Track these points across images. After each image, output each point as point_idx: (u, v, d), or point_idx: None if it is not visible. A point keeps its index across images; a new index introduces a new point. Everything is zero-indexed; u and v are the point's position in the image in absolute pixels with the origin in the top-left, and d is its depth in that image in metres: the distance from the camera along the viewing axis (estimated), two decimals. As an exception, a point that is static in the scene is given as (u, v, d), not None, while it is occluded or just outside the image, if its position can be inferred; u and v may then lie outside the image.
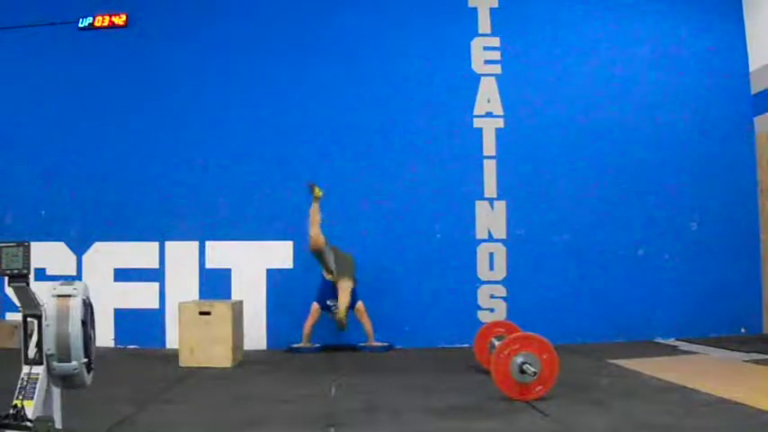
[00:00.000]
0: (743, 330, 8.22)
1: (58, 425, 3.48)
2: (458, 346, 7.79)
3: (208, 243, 8.18)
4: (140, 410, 4.80)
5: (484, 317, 7.92)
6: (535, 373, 4.93)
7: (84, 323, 3.50)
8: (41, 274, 7.09)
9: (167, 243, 8.17)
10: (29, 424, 3.17)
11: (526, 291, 8.10)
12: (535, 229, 8.26)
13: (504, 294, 8.16)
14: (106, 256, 8.09)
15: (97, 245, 8.14)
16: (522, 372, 4.94)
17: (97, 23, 8.03)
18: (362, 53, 8.41)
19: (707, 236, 8.36)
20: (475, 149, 8.29)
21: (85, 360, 3.51)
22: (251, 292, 7.96)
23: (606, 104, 8.41)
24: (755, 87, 8.43)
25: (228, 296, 7.86)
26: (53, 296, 3.51)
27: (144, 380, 6.04)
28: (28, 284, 3.38)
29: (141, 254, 8.12)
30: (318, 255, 7.60)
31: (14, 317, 6.88)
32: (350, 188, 8.19)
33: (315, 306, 7.66)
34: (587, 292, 8.17)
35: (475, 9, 8.41)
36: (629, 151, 8.38)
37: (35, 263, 3.47)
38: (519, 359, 4.97)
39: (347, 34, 8.41)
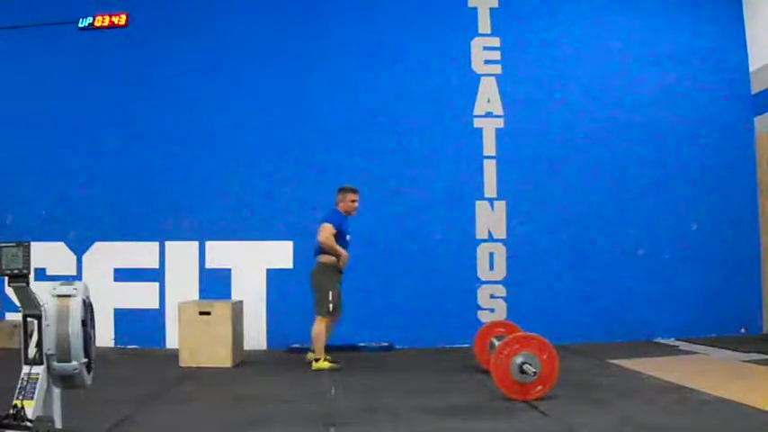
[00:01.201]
0: (743, 330, 8.22)
1: (58, 425, 3.48)
2: (458, 346, 7.78)
3: (208, 243, 8.17)
4: (140, 410, 4.80)
5: (484, 317, 7.91)
6: (535, 373, 4.93)
7: (84, 323, 3.50)
8: (41, 274, 7.08)
9: (167, 243, 8.17)
10: (29, 424, 3.17)
11: (526, 291, 8.09)
12: (535, 229, 8.27)
13: (504, 294, 8.16)
14: (106, 256, 8.08)
15: (97, 245, 8.14)
16: (522, 372, 4.95)
17: (97, 23, 8.01)
18: (362, 53, 8.41)
19: (707, 236, 8.37)
20: (475, 149, 8.29)
21: (85, 360, 3.50)
22: (251, 292, 7.95)
23: (606, 104, 8.41)
24: (755, 87, 8.43)
25: (228, 296, 7.85)
26: (53, 296, 3.50)
27: (144, 380, 6.04)
28: (28, 284, 3.38)
29: (141, 254, 8.12)
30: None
31: (14, 317, 6.89)
32: (350, 188, 8.19)
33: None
34: (587, 292, 8.17)
35: (475, 9, 8.41)
36: (629, 151, 8.39)
37: (35, 263, 3.46)
38: (519, 359, 4.97)
39: (347, 34, 8.40)
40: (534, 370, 4.93)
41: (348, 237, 6.79)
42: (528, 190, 8.28)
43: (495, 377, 5.05)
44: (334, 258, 6.65)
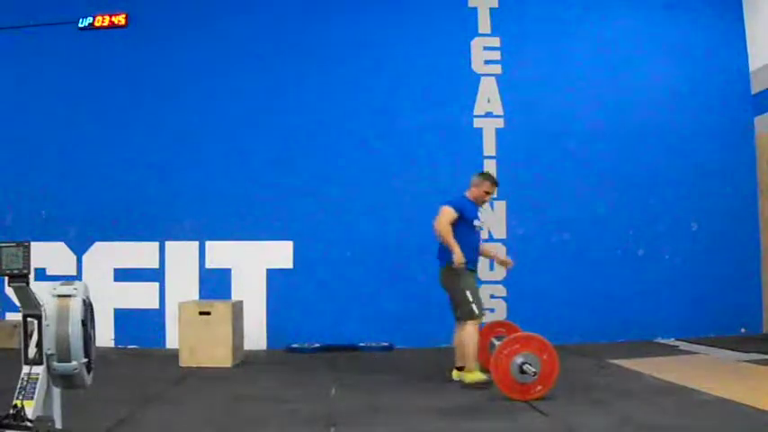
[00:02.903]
0: (743, 330, 8.22)
1: (58, 425, 3.48)
2: (458, 346, 7.77)
3: (208, 243, 8.17)
4: (140, 410, 4.81)
5: (484, 317, 7.89)
6: (535, 374, 4.93)
7: (84, 323, 3.50)
8: (41, 274, 7.07)
9: (167, 243, 8.16)
10: (29, 424, 3.17)
11: (526, 291, 8.08)
12: (535, 229, 8.27)
13: (504, 294, 8.16)
14: (106, 256, 8.08)
15: (97, 245, 8.14)
16: (523, 372, 4.95)
17: (97, 23, 8.00)
18: (363, 53, 8.40)
19: (707, 236, 8.37)
20: (475, 149, 8.28)
21: (85, 360, 3.51)
22: (251, 292, 7.95)
23: (606, 104, 8.42)
24: (755, 87, 8.43)
25: (228, 296, 7.85)
26: (53, 296, 3.51)
27: (144, 380, 6.04)
28: (28, 284, 3.38)
29: (141, 254, 8.12)
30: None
31: (14, 317, 6.88)
32: (350, 188, 8.19)
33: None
34: (587, 292, 8.17)
35: (475, 9, 8.41)
36: (629, 151, 8.39)
37: (35, 263, 3.46)
38: (519, 359, 4.98)
39: (347, 34, 8.40)
40: (534, 370, 4.93)
41: (477, 223, 6.03)
42: (528, 190, 8.28)
43: (495, 377, 5.05)
44: (460, 257, 5.73)
